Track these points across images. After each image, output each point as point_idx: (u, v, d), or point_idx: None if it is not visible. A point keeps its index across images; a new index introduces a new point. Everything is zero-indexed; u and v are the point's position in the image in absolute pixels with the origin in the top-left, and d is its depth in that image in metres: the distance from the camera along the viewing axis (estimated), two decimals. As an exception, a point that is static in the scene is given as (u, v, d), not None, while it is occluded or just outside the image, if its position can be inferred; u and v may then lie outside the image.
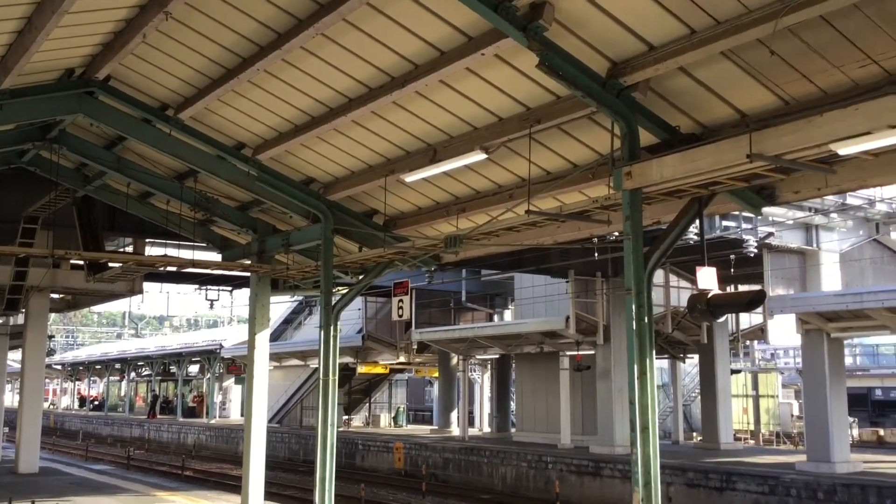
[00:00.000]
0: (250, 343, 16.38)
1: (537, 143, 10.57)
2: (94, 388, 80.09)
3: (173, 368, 55.22)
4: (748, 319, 28.86)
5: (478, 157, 10.92)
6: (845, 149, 7.40)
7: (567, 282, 26.62)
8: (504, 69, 9.67)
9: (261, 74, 11.07)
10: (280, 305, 44.53)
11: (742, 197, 9.54)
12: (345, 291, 15.07)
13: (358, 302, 35.34)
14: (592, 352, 27.19)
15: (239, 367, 43.93)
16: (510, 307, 36.65)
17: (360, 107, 11.06)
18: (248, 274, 16.77)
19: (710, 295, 8.71)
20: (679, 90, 9.07)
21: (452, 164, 11.45)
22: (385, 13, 9.32)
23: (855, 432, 35.01)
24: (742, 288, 25.21)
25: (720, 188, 9.04)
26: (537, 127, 10.19)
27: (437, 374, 38.60)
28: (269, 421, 38.49)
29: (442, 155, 11.57)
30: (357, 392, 45.02)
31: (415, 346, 35.20)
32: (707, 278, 8.86)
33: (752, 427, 38.01)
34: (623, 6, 8.24)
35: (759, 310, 23.09)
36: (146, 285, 26.71)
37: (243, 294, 35.07)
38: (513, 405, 36.64)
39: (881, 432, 36.01)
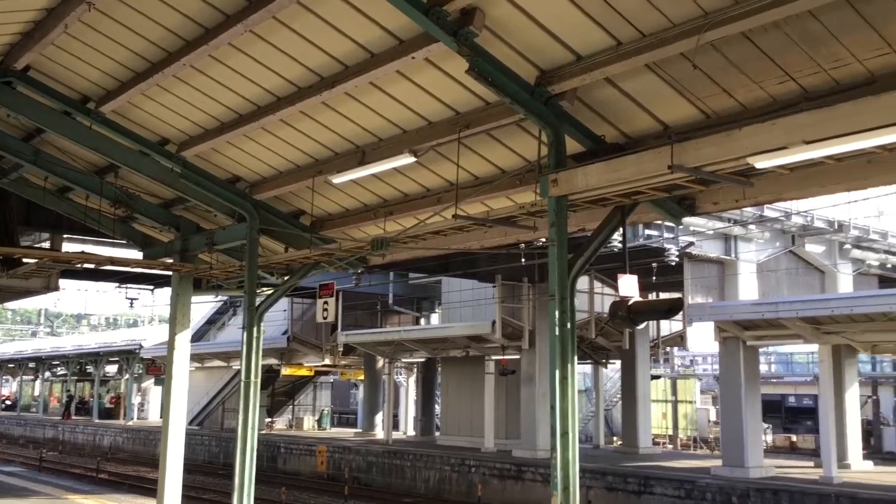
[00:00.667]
0: (170, 343, 16.03)
1: (466, 148, 10.62)
2: (6, 388, 77.25)
3: (90, 368, 53.64)
4: (669, 326, 29.52)
5: (406, 160, 10.92)
6: (762, 162, 7.63)
7: (494, 286, 26.81)
8: (434, 73, 9.69)
9: (187, 70, 10.85)
10: (204, 305, 43.74)
11: (663, 207, 9.75)
12: (269, 292, 14.87)
13: (284, 303, 34.94)
14: (518, 356, 27.44)
15: (159, 368, 42.96)
16: (437, 311, 36.73)
17: (288, 106, 10.94)
18: (169, 273, 16.40)
19: (630, 302, 8.88)
20: (605, 100, 9.23)
21: (381, 167, 11.42)
22: (316, 13, 9.24)
23: (769, 438, 36.13)
24: (664, 295, 25.80)
25: (642, 198, 9.23)
26: (466, 132, 10.23)
27: (362, 377, 38.42)
28: (190, 423, 37.81)
29: (371, 157, 11.53)
30: (281, 394, 44.48)
31: (341, 349, 34.97)
32: (628, 285, 9.02)
33: (670, 432, 38.90)
34: (552, 15, 8.34)
35: (680, 317, 23.64)
36: (63, 282, 25.82)
37: (165, 293, 34.31)
38: (438, 409, 36.71)
39: (794, 438, 37.19)
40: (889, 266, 26.32)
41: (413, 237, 12.03)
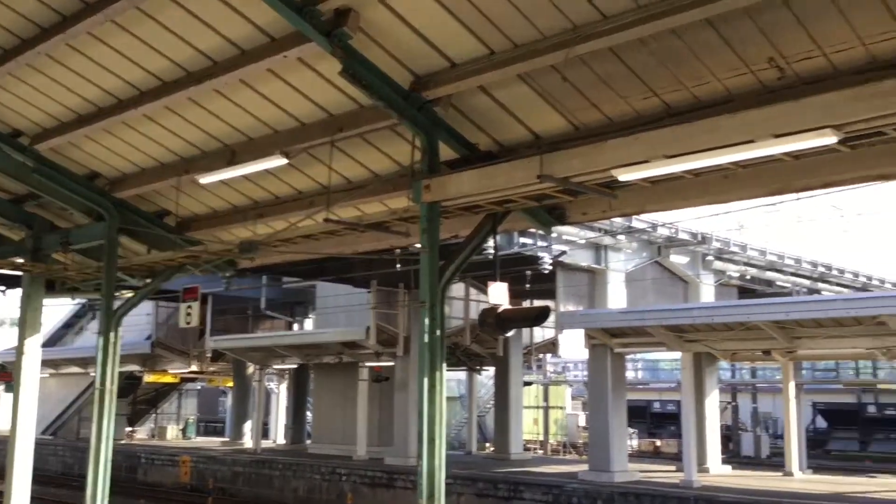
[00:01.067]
0: (19, 348, 15.04)
1: (339, 151, 10.45)
2: None
3: (-66, 374, 49.97)
4: (542, 334, 30.07)
5: (278, 161, 10.64)
6: (625, 175, 7.81)
7: (370, 292, 26.60)
8: (307, 74, 9.48)
9: (42, 58, 10.22)
10: (61, 308, 41.52)
11: (534, 215, 9.86)
12: (129, 296, 14.19)
13: (148, 307, 33.56)
14: (392, 363, 27.32)
15: (10, 374, 40.44)
16: (311, 316, 36.18)
17: (152, 101, 10.47)
18: (20, 273, 15.41)
19: (500, 310, 8.92)
20: (479, 108, 9.26)
21: (251, 168, 11.10)
22: (183, 5, 8.87)
23: (634, 443, 37.34)
24: (538, 303, 26.25)
25: (514, 206, 9.32)
26: (340, 135, 10.07)
27: (231, 384, 37.37)
28: (43, 432, 35.72)
29: (241, 157, 11.18)
30: (143, 402, 42.68)
31: (209, 355, 33.87)
32: (498, 293, 9.07)
33: (542, 437, 39.65)
34: (427, 22, 8.30)
35: (552, 324, 24.12)
36: None
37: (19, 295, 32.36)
38: (310, 416, 36.14)
39: (658, 443, 38.54)
40: (748, 277, 27.70)
41: (284, 241, 11.74)
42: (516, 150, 9.50)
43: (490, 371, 33.06)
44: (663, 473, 23.62)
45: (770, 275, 28.23)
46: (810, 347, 19.90)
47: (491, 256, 18.03)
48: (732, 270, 26.96)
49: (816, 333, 18.90)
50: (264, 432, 35.42)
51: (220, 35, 9.21)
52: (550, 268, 22.64)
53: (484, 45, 8.37)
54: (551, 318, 25.11)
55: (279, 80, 9.70)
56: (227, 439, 37.02)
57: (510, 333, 10.33)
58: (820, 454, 37.29)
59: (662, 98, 8.31)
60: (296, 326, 36.32)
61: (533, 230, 19.57)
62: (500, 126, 9.39)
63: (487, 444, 35.60)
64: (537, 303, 26.35)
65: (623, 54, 7.94)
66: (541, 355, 35.86)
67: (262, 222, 12.64)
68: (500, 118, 9.26)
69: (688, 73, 7.91)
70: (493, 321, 8.86)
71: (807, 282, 29.77)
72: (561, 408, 42.77)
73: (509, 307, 8.96)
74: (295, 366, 33.33)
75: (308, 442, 33.76)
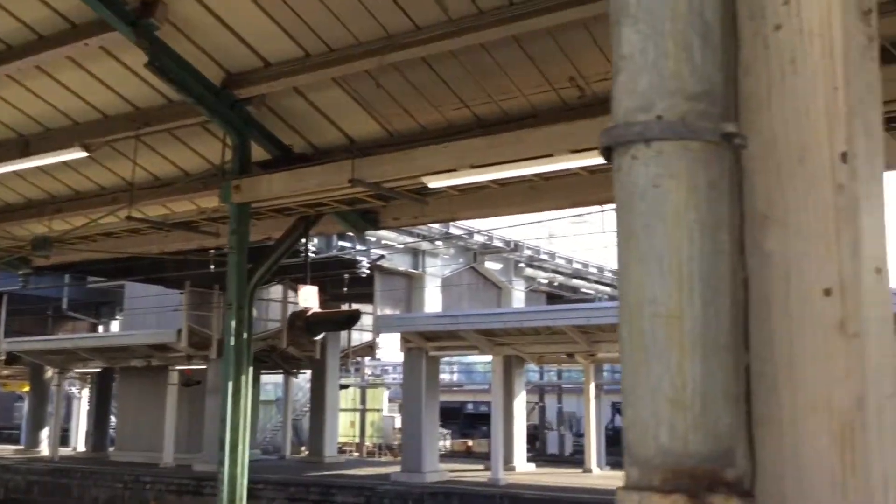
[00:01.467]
0: None
1: (145, 146, 10.03)
2: None
3: None
4: (360, 337, 30.12)
5: (77, 154, 10.07)
6: (434, 182, 8.01)
7: (182, 293, 25.64)
8: (111, 64, 9.05)
9: None
10: None
11: (347, 219, 9.90)
12: None
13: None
14: (205, 366, 26.45)
15: None
16: (119, 317, 34.39)
17: (-66, 83, 9.63)
18: None
19: (309, 313, 8.88)
20: (294, 110, 9.18)
21: (48, 160, 10.44)
22: (-28, -19, 8.23)
23: (447, 443, 38.11)
24: (355, 306, 26.28)
25: (327, 209, 9.32)
26: (146, 129, 9.68)
27: (28, 389, 34.85)
28: None
29: (36, 148, 10.48)
30: (-74, 408, 39.00)
31: (3, 357, 31.41)
32: (308, 296, 9.03)
33: (358, 440, 39.67)
34: (240, 19, 8.15)
35: (371, 327, 24.18)
36: None
37: None
38: (115, 422, 34.30)
39: (470, 443, 39.50)
40: (556, 284, 29.01)
41: (82, 238, 11.13)
42: (331, 153, 9.49)
43: (308, 374, 32.73)
44: (473, 473, 24.27)
45: (576, 282, 29.72)
46: (609, 350, 21.11)
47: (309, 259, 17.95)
48: (542, 277, 28.14)
49: (615, 337, 19.99)
50: (64, 439, 33.27)
51: (14, 17, 8.62)
52: (368, 271, 22.75)
53: (299, 47, 8.32)
54: (369, 321, 25.33)
55: (80, 68, 9.20)
56: (21, 447, 34.49)
57: (319, 337, 10.28)
58: (619, 451, 39.51)
59: (473, 109, 8.58)
60: (101, 328, 34.40)
61: (352, 233, 19.62)
62: (314, 129, 9.36)
63: (303, 448, 35.19)
64: (356, 306, 26.41)
65: (435, 65, 8.13)
66: (359, 358, 35.87)
67: (59, 218, 11.90)
68: (314, 121, 9.23)
69: (496, 87, 8.21)
70: (303, 324, 8.81)
71: (608, 289, 31.57)
72: (378, 410, 42.97)
73: (319, 311, 8.93)
74: (99, 369, 31.55)
75: (111, 449, 32.04)
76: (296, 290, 25.91)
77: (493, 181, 8.25)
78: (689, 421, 0.95)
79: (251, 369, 8.77)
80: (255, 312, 9.19)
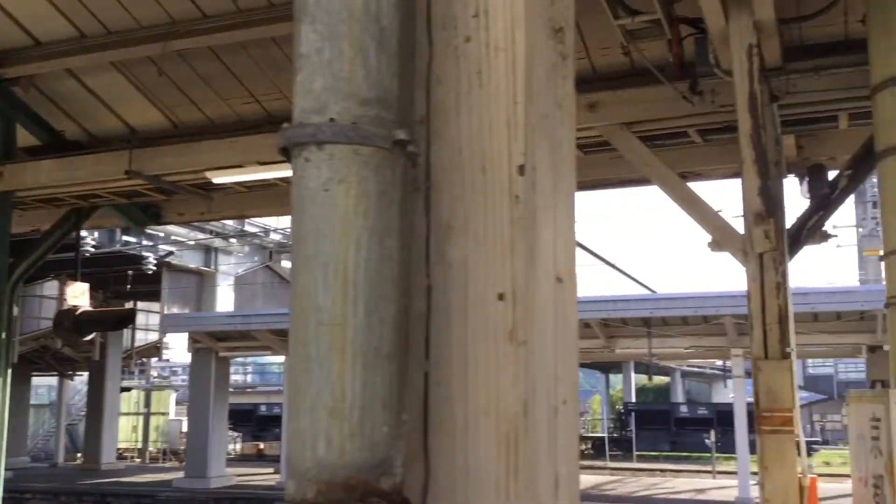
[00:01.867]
0: None
1: None
2: None
3: None
4: (145, 336, 28.66)
5: None
6: (219, 178, 7.75)
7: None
8: None
9: None
10: None
11: (126, 213, 9.37)
12: None
13: None
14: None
15: None
16: None
17: None
18: None
19: (78, 312, 8.31)
20: (67, 94, 8.58)
21: None
22: None
23: (238, 446, 37.09)
24: (140, 304, 24.97)
25: (101, 201, 8.78)
26: None
27: None
28: None
29: None
30: None
31: None
32: (77, 294, 8.45)
33: (141, 445, 37.74)
34: (6, -10, 7.50)
35: (157, 326, 23.07)
36: None
37: None
38: None
39: (261, 446, 38.61)
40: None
41: None
42: (109, 142, 8.95)
43: (86, 376, 30.74)
44: (263, 476, 23.78)
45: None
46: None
47: (86, 254, 16.84)
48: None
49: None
50: None
51: None
52: (155, 268, 21.71)
53: (74, 27, 7.77)
54: (156, 320, 24.12)
55: None
56: None
57: (89, 337, 9.67)
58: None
59: (263, 105, 8.38)
60: None
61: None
62: (90, 115, 8.78)
63: (78, 455, 32.99)
64: (142, 304, 25.07)
65: (224, 56, 7.87)
66: (143, 359, 34.15)
67: None
68: (90, 106, 8.67)
69: (287, 82, 8.06)
70: (70, 324, 8.23)
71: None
72: (164, 414, 41.12)
73: (89, 309, 8.39)
74: None
75: None
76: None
77: (282, 179, 8.09)
78: (346, 431, 0.94)
79: (9, 371, 8.08)
80: (16, 310, 8.46)
